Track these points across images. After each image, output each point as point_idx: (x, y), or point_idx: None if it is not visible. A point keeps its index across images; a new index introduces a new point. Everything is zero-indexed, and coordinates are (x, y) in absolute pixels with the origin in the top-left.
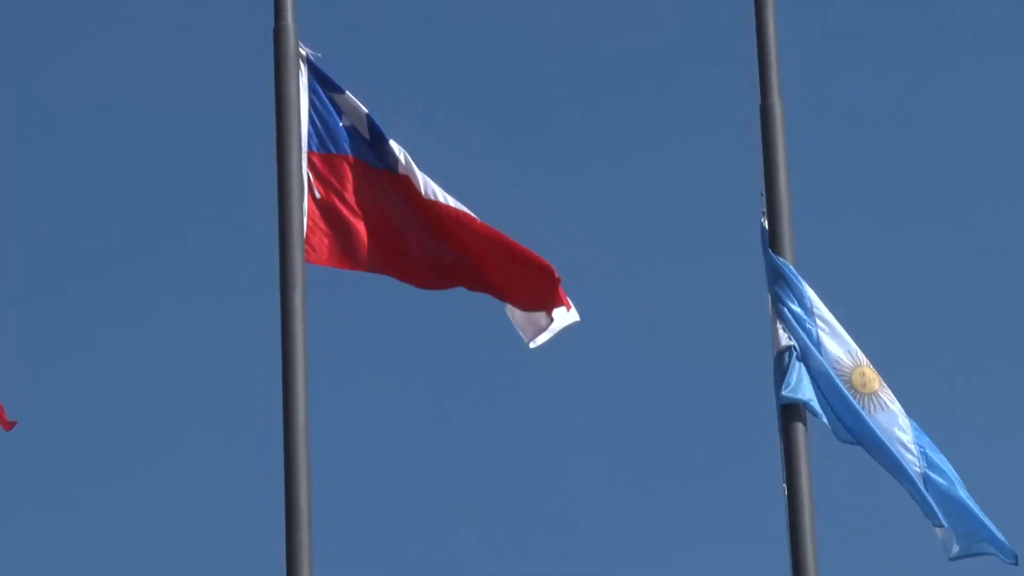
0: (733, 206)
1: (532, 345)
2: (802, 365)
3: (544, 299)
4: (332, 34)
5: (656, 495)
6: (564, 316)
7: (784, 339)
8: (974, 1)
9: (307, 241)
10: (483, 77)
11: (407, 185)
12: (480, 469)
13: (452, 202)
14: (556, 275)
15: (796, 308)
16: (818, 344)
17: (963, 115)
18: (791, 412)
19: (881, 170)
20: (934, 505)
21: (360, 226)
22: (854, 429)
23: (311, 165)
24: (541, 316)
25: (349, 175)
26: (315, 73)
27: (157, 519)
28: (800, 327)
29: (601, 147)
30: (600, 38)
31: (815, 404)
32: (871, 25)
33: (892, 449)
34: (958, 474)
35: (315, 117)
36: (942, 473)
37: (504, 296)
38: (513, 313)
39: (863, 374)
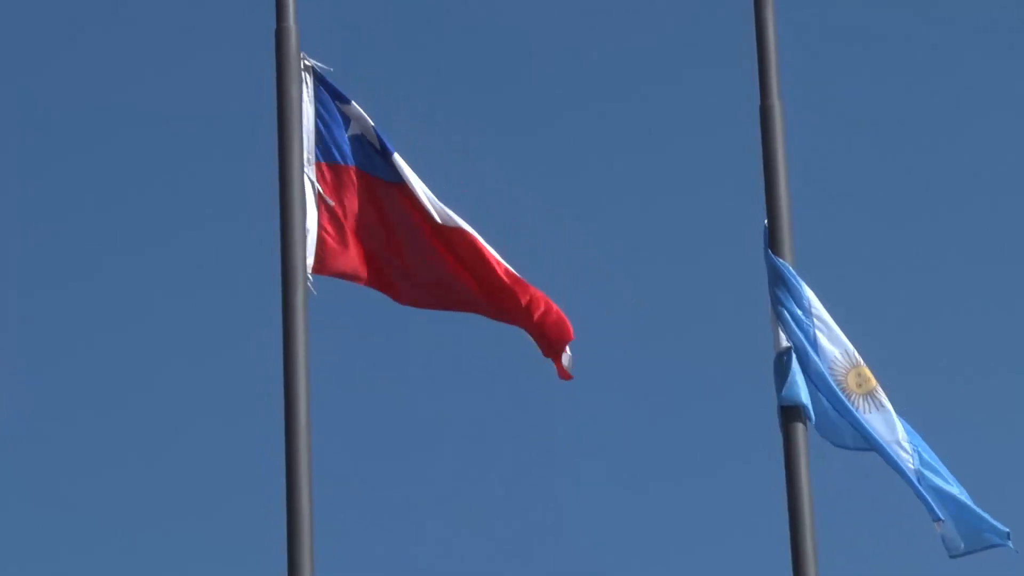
0: (733, 207)
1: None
2: (801, 365)
3: (546, 341)
4: (333, 35)
5: (656, 496)
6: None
7: (784, 340)
8: (974, 1)
9: (317, 252)
10: (483, 76)
11: (413, 202)
12: (481, 470)
13: (462, 224)
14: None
15: (795, 309)
16: (815, 344)
17: (963, 115)
18: (791, 412)
19: (881, 171)
20: (931, 502)
21: (363, 241)
22: (848, 430)
23: (320, 176)
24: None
25: (355, 186)
26: (321, 84)
27: (158, 519)
28: (798, 328)
29: (601, 147)
30: (600, 39)
31: (811, 410)
32: (871, 25)
33: (889, 449)
34: (956, 475)
35: (322, 128)
36: (936, 471)
37: (501, 319)
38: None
39: (859, 374)
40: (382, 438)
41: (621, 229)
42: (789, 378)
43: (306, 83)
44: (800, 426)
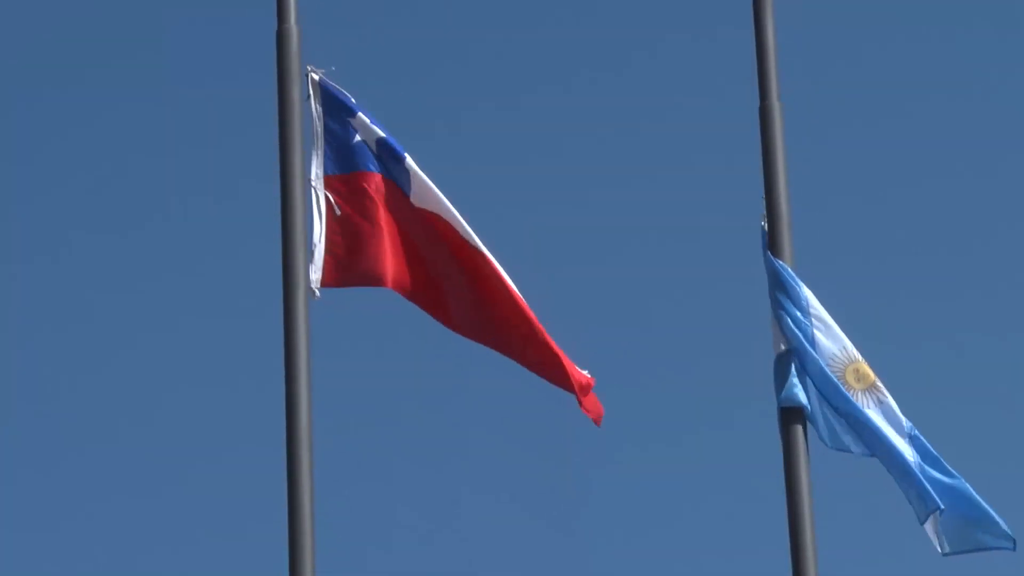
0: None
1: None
2: (800, 368)
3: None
4: (334, 36)
5: (656, 496)
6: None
7: (783, 343)
8: (974, 2)
9: (326, 263)
10: (483, 77)
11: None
12: (483, 470)
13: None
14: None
15: (794, 311)
16: (813, 342)
17: (964, 117)
18: (791, 413)
19: (881, 172)
20: (933, 493)
21: (384, 242)
22: (851, 427)
23: (330, 187)
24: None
25: (371, 191)
26: (327, 94)
27: (159, 519)
28: (798, 328)
29: (602, 146)
30: (599, 40)
31: (810, 410)
32: (872, 25)
33: (891, 442)
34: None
35: (330, 139)
36: (937, 464)
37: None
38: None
39: (857, 370)
40: (385, 438)
41: (621, 229)
42: (788, 380)
43: (313, 96)
44: (799, 427)
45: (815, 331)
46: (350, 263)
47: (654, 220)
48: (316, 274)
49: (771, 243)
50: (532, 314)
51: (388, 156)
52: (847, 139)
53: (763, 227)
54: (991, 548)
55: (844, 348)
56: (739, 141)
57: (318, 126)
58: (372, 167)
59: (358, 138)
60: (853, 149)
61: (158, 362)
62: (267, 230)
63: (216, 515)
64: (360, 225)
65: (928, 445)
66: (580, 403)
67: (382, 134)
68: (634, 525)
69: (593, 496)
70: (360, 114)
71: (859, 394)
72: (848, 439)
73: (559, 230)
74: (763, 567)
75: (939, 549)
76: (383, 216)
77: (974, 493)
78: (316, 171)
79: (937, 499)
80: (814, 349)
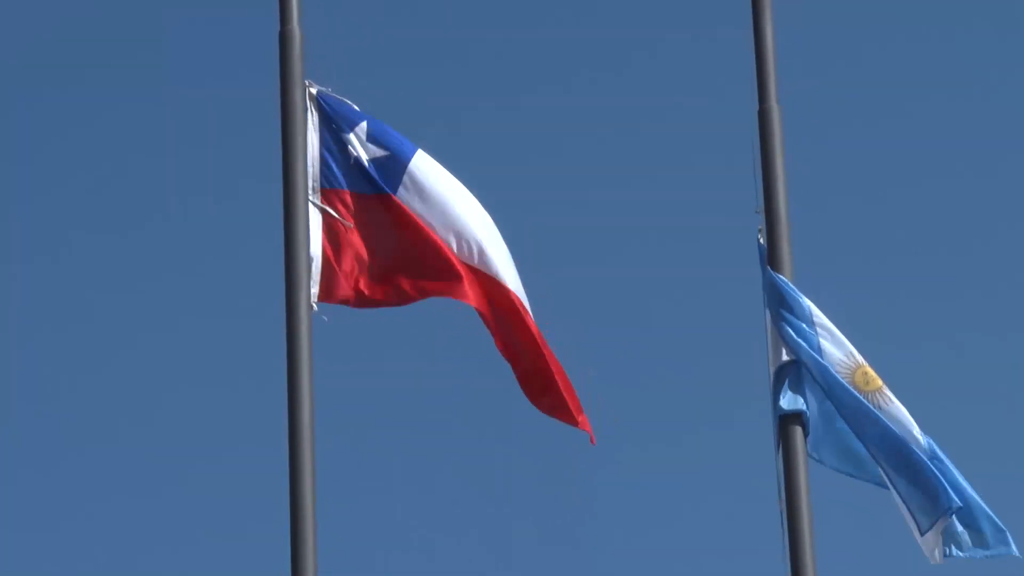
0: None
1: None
2: (801, 377)
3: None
4: (335, 37)
5: (656, 496)
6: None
7: (784, 355)
8: (974, 3)
9: (323, 280)
10: (483, 77)
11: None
12: (484, 470)
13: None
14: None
15: (797, 323)
16: (819, 350)
17: (964, 117)
18: (789, 418)
19: (881, 172)
20: (949, 490)
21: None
22: (862, 429)
23: (326, 201)
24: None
25: (359, 209)
26: (325, 112)
27: (160, 520)
28: (802, 339)
29: (601, 147)
30: (599, 43)
31: (809, 416)
32: (871, 26)
33: (903, 440)
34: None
35: (327, 155)
36: (945, 466)
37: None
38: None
39: (864, 373)
40: (387, 438)
41: (620, 229)
42: (788, 388)
43: (311, 111)
44: (798, 430)
45: (821, 340)
46: (344, 280)
47: (654, 220)
48: (314, 288)
49: (771, 245)
50: (542, 338)
51: (386, 173)
52: (846, 139)
53: (760, 243)
54: (996, 555)
55: (851, 354)
56: (739, 141)
57: (314, 141)
58: (366, 188)
59: (353, 155)
60: (852, 149)
61: (158, 362)
62: (268, 231)
63: (217, 516)
64: (352, 241)
65: (939, 450)
66: (576, 423)
67: (380, 153)
68: (633, 525)
69: (593, 496)
70: (356, 130)
71: (869, 396)
72: (850, 466)
73: (559, 230)
74: (763, 567)
75: (932, 560)
76: (371, 231)
77: (982, 502)
78: (312, 185)
79: (953, 496)
80: (822, 358)
